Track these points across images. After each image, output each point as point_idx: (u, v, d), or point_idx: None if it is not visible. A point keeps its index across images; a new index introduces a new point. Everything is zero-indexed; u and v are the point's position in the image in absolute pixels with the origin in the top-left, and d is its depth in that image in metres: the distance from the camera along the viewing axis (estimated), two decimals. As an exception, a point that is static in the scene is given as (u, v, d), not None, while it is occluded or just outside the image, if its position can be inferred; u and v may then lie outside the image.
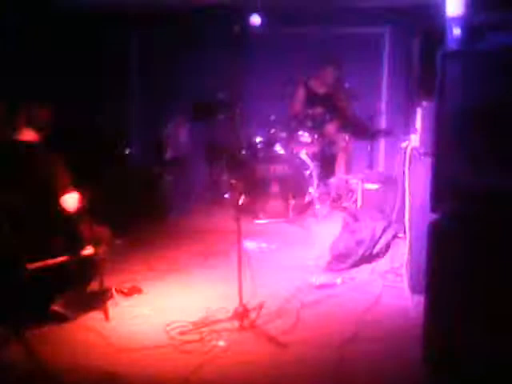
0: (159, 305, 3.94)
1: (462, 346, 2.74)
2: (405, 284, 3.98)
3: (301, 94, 6.48)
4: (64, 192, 3.44)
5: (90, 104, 6.63)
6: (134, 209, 5.64)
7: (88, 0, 6.39)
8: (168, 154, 6.87)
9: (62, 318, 3.62)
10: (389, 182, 5.33)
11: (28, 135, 3.51)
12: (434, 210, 2.75)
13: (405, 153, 4.18)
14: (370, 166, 6.40)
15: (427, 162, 3.87)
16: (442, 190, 2.70)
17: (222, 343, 3.34)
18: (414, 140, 4.14)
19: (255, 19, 3.37)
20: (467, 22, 2.63)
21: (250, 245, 5.01)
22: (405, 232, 4.30)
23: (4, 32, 5.53)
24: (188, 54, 6.97)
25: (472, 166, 2.54)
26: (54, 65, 6.05)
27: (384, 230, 4.76)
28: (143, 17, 6.72)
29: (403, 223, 4.38)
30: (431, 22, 6.22)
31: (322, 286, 4.19)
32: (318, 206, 5.87)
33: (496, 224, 2.55)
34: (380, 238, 4.73)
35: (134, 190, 5.69)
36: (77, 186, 3.61)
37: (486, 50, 2.56)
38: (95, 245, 3.68)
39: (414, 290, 3.93)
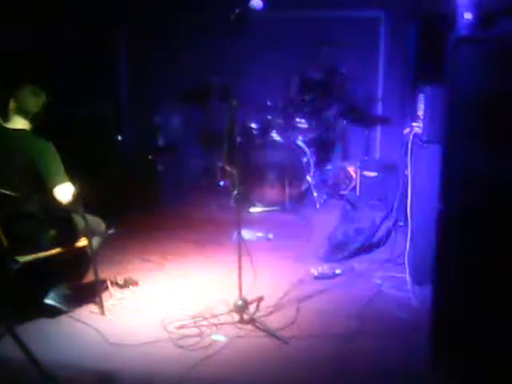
0: (156, 297, 3.85)
1: (471, 337, 2.66)
2: (406, 274, 3.90)
3: (297, 78, 6.37)
4: (57, 182, 3.29)
5: (81, 92, 6.48)
6: (127, 197, 5.53)
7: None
8: (161, 141, 6.74)
9: (55, 312, 3.51)
10: (387, 169, 5.24)
11: (19, 123, 3.36)
12: (442, 199, 2.66)
13: (406, 140, 4.10)
14: (366, 153, 6.29)
15: (430, 149, 3.81)
16: (452, 179, 2.60)
17: (221, 337, 3.25)
18: (416, 127, 4.05)
19: (256, 2, 3.23)
20: (479, 6, 2.52)
21: (245, 234, 4.89)
22: (405, 220, 4.23)
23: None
24: (182, 38, 6.82)
25: (484, 156, 2.44)
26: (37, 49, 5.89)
27: (384, 219, 4.69)
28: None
29: (403, 211, 4.31)
30: (430, 6, 6.13)
31: (321, 277, 4.10)
32: (315, 194, 5.76)
33: (508, 215, 2.46)
34: (380, 226, 4.65)
35: (127, 177, 5.56)
36: (70, 176, 3.48)
37: (499, 36, 2.45)
38: (89, 236, 3.56)
39: (415, 280, 3.87)
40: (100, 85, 6.72)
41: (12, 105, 3.36)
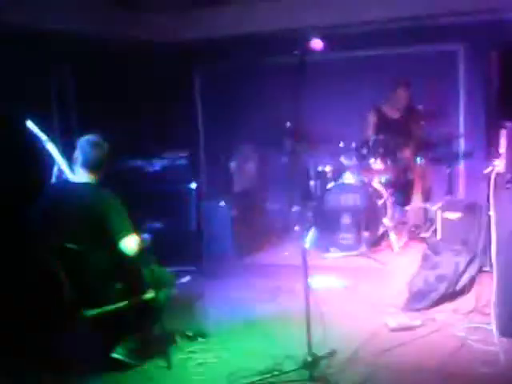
0: (224, 350, 3.73)
1: None
2: (493, 326, 3.59)
3: (373, 119, 6.20)
4: (123, 235, 3.29)
5: (154, 141, 6.65)
6: (200, 245, 5.53)
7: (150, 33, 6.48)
8: (236, 187, 6.74)
9: (122, 366, 3.47)
10: (471, 210, 4.91)
11: (83, 176, 3.40)
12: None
13: (489, 179, 3.83)
14: (450, 192, 5.97)
15: (514, 189, 3.54)
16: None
17: (289, 397, 3.08)
18: (499, 165, 3.78)
19: (317, 44, 3.15)
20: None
21: (319, 282, 4.71)
22: (491, 266, 3.91)
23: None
24: (253, 83, 6.87)
25: None
26: (115, 100, 6.11)
27: (468, 264, 4.38)
28: (204, 49, 6.72)
29: (489, 256, 4.01)
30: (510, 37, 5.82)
31: (398, 329, 3.84)
32: (393, 238, 5.50)
33: None
34: (464, 272, 4.34)
35: (200, 225, 5.57)
36: (139, 228, 3.48)
37: None
38: (157, 288, 3.53)
39: (503, 332, 3.56)
40: (176, 132, 6.89)
41: (75, 158, 3.41)
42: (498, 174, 3.76)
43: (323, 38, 3.23)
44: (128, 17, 6.26)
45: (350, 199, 5.51)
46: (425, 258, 4.73)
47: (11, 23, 4.88)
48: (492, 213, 3.78)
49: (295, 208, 6.32)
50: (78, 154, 3.40)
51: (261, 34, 6.55)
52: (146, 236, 3.65)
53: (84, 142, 3.41)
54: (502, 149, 3.83)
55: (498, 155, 3.92)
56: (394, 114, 6.18)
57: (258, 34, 6.58)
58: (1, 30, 4.79)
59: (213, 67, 7.15)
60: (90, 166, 3.38)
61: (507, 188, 3.63)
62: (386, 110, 6.20)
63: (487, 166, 3.99)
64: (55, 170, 3.61)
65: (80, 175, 3.41)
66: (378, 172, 5.77)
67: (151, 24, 6.54)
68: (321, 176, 5.97)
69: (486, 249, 4.26)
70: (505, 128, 3.75)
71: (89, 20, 5.75)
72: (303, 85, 3.23)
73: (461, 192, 6.56)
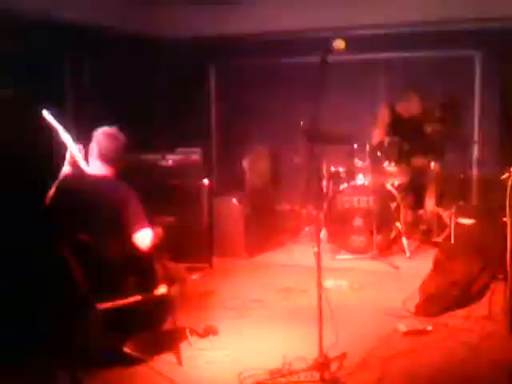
0: (234, 348, 3.71)
1: None
2: (506, 333, 3.55)
3: (386, 118, 6.14)
4: (137, 229, 3.28)
5: (168, 135, 6.65)
6: (211, 241, 5.52)
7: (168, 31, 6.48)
8: (248, 185, 6.73)
9: (133, 361, 3.46)
10: (486, 216, 4.89)
11: (99, 169, 3.38)
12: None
13: (505, 186, 3.81)
14: (463, 198, 5.94)
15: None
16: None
17: (300, 397, 3.06)
18: (516, 172, 3.75)
19: (340, 44, 3.12)
20: None
21: (330, 283, 4.69)
22: (505, 273, 3.89)
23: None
24: (269, 82, 6.86)
25: None
26: (129, 94, 6.11)
27: (481, 271, 4.34)
28: (221, 46, 6.71)
29: (503, 263, 3.98)
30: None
31: (410, 333, 3.81)
32: (405, 241, 5.47)
33: None
34: (476, 279, 4.30)
35: (213, 222, 5.55)
36: (152, 223, 3.46)
37: None
38: (169, 284, 3.51)
39: (517, 340, 3.53)
40: (190, 128, 6.88)
41: (91, 150, 3.38)
42: (515, 181, 3.73)
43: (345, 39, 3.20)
44: (144, 10, 6.25)
45: (363, 201, 5.49)
46: (437, 262, 4.70)
47: (27, 12, 4.90)
48: (508, 220, 3.76)
49: (307, 208, 6.31)
50: (93, 146, 3.37)
51: (279, 34, 6.55)
52: (158, 231, 3.63)
53: (100, 134, 3.37)
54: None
55: (514, 162, 3.88)
56: (407, 115, 6.14)
57: (276, 33, 6.57)
58: (17, 19, 4.81)
59: (229, 65, 7.14)
60: (105, 158, 3.34)
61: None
62: (399, 111, 6.16)
63: (502, 173, 3.96)
64: (68, 157, 3.57)
65: (95, 167, 3.38)
66: (392, 175, 5.74)
67: (167, 18, 6.53)
68: (333, 177, 5.94)
69: (500, 256, 4.22)
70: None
71: (104, 11, 5.76)
72: (323, 86, 3.19)
73: (474, 198, 6.53)
